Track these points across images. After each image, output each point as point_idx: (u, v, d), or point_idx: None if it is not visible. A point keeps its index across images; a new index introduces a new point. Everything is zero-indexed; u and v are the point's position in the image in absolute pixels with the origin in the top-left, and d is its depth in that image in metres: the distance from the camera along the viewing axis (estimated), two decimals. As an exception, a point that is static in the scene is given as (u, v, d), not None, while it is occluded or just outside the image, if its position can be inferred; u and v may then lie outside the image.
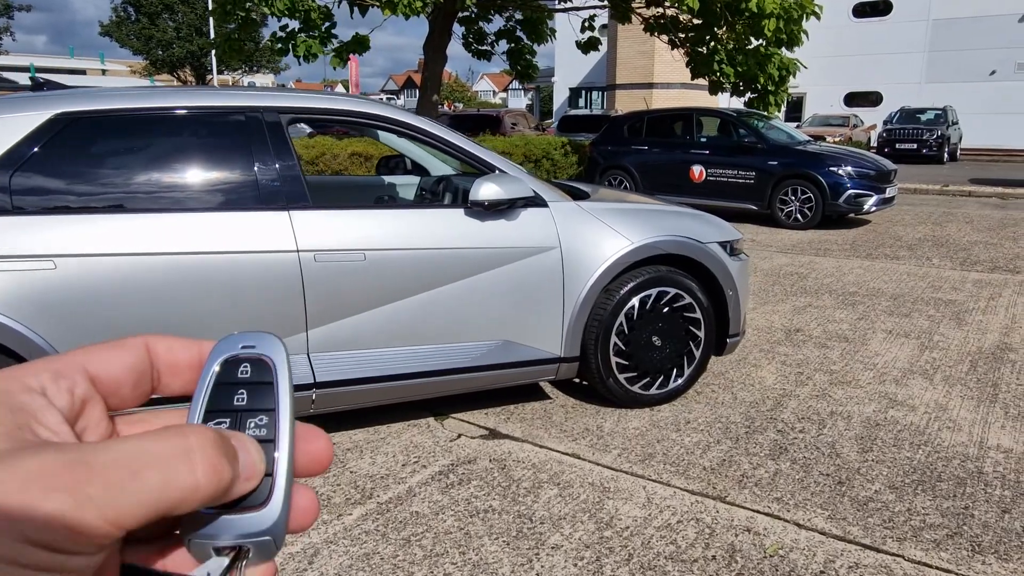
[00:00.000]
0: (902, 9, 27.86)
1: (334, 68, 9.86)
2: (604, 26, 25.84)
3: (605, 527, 2.64)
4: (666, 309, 3.58)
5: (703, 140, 10.64)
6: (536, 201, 3.31)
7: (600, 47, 13.11)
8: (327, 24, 10.15)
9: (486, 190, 3.11)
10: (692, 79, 12.46)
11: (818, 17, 10.74)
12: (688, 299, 3.60)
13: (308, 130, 14.60)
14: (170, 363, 0.38)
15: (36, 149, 2.61)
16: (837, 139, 19.62)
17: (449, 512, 2.74)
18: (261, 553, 0.34)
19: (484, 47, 13.33)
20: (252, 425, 0.35)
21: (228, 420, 0.35)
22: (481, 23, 13.00)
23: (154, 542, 0.35)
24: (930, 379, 4.11)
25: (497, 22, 13.07)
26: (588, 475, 3.02)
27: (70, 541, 0.27)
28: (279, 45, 10.22)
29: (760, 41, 10.80)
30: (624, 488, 2.92)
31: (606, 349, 3.50)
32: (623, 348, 3.53)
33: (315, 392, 2.99)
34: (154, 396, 0.39)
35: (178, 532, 0.34)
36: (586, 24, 12.62)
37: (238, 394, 0.36)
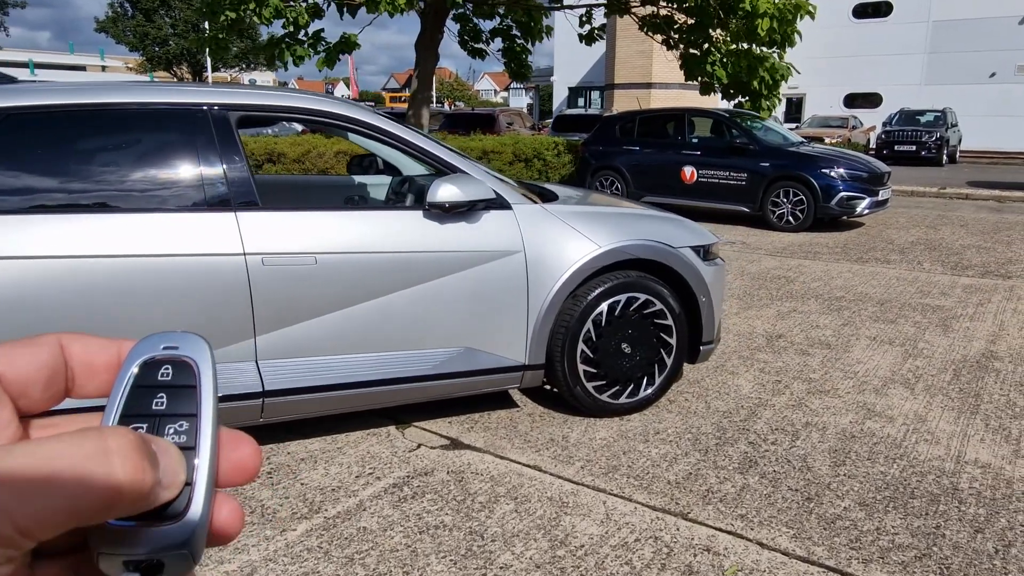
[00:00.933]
0: (902, 10, 27.70)
1: (320, 70, 9.76)
2: (603, 26, 25.67)
3: (559, 545, 2.52)
4: (636, 315, 3.47)
5: (695, 141, 10.52)
6: (499, 203, 3.20)
7: (601, 36, 13.01)
8: (315, 29, 10.04)
9: (444, 191, 3.00)
10: (685, 80, 12.38)
11: (812, 17, 10.63)
12: (659, 305, 3.49)
13: (299, 128, 14.50)
14: (86, 363, 0.35)
15: None
16: (836, 140, 19.49)
17: (398, 528, 2.63)
18: (176, 568, 0.31)
19: (479, 45, 13.22)
20: (171, 431, 0.33)
21: (145, 425, 0.33)
22: (476, 21, 12.88)
23: (65, 556, 0.32)
24: (911, 388, 4.00)
25: (492, 20, 12.96)
26: (548, 489, 2.91)
27: None
28: (268, 50, 10.11)
29: (754, 45, 10.71)
30: (583, 503, 2.80)
31: (573, 356, 3.38)
32: (591, 356, 3.42)
33: (264, 401, 2.88)
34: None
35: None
36: (583, 18, 12.54)
37: (157, 398, 0.34)
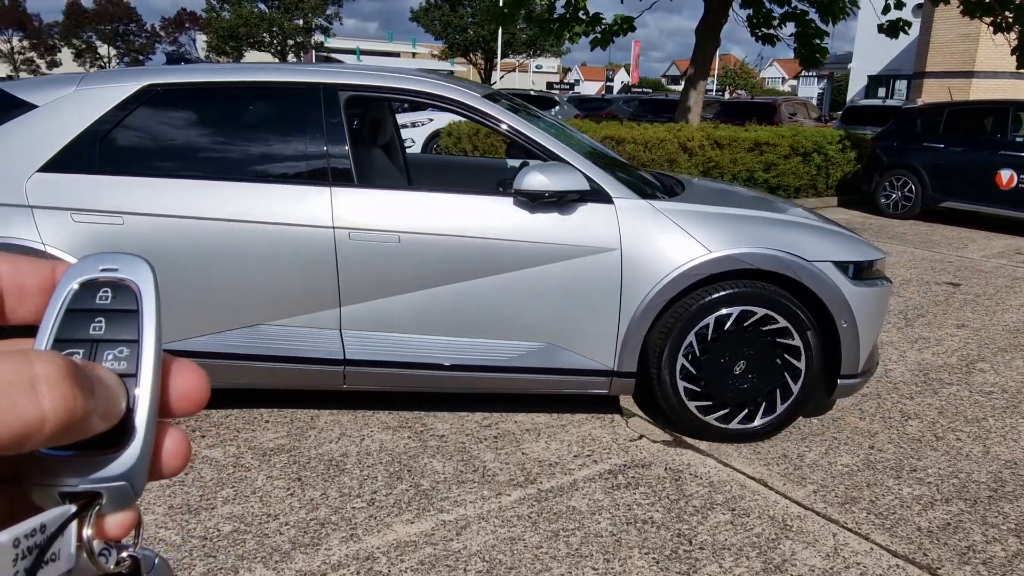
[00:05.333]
0: None
1: (591, 49, 9.99)
2: (919, 6, 22.53)
3: (774, 570, 2.33)
4: (754, 332, 3.06)
5: (1019, 140, 8.90)
6: (597, 195, 3.00)
7: (906, 31, 11.44)
8: (595, 11, 10.26)
9: (531, 179, 2.89)
10: (1017, 68, 10.48)
11: None
12: (783, 322, 3.03)
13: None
14: (16, 285, 0.32)
15: (124, 116, 2.95)
16: None
17: (606, 514, 2.62)
18: (117, 500, 0.30)
19: (770, 31, 12.35)
20: (110, 357, 0.31)
21: (81, 351, 0.31)
22: (768, 5, 12.03)
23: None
24: None
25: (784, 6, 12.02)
26: (771, 507, 2.70)
27: None
28: (545, 25, 10.58)
29: None
30: (809, 531, 2.56)
31: (672, 370, 3.07)
32: (694, 371, 3.08)
33: (346, 369, 3.04)
34: None
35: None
36: (890, 3, 11.06)
37: (95, 322, 0.32)
